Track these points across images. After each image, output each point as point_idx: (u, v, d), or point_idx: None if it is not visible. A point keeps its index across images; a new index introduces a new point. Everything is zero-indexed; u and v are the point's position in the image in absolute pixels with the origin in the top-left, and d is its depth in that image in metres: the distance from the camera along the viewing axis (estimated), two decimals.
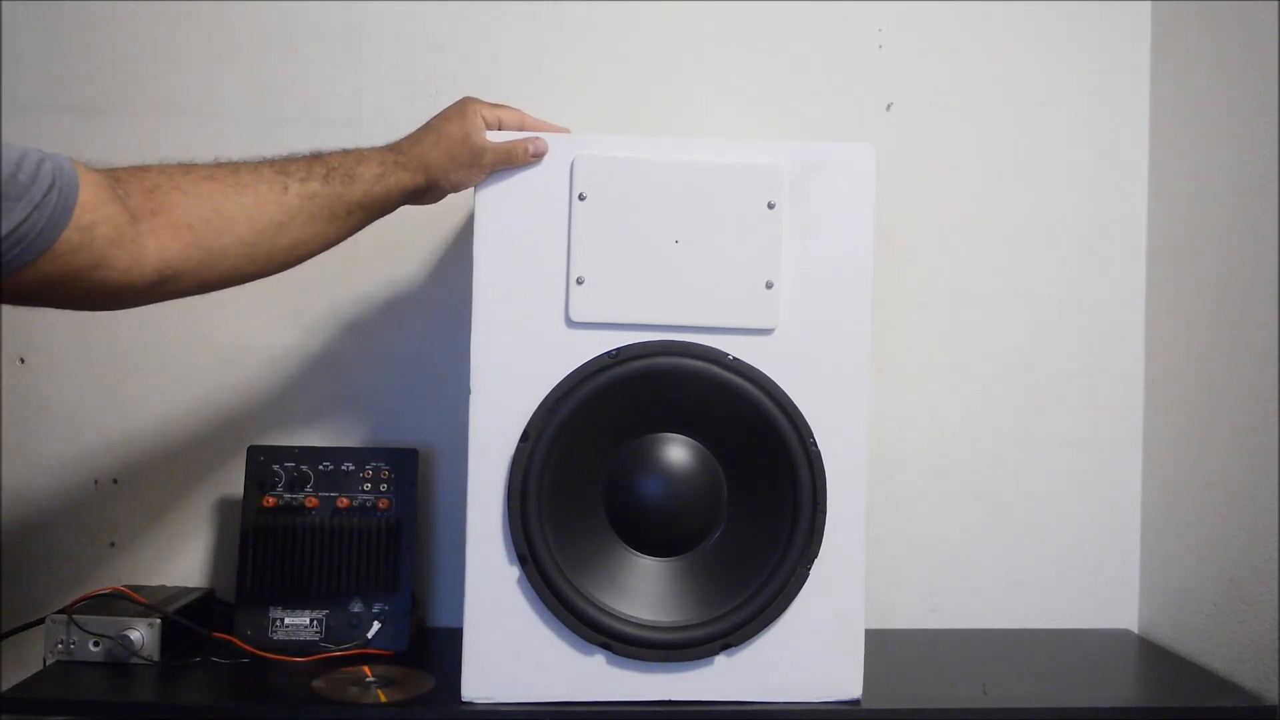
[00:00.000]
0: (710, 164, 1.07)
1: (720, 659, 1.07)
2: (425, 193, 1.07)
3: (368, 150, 1.05)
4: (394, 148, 1.06)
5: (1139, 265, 1.42)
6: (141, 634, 1.15)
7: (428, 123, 1.08)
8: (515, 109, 1.10)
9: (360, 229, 1.07)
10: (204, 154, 1.33)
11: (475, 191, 1.06)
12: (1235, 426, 1.22)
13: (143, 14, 1.36)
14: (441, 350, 1.36)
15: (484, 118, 1.06)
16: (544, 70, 1.38)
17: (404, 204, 1.07)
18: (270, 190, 0.98)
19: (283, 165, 1.01)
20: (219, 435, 1.36)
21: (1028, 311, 1.41)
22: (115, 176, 0.91)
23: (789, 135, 1.37)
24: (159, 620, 1.16)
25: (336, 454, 1.27)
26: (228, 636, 1.20)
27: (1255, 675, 1.17)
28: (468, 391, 1.06)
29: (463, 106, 1.08)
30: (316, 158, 1.03)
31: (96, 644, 1.15)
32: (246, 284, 1.01)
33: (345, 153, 1.04)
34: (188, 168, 0.96)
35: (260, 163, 1.00)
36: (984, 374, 1.41)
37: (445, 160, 1.05)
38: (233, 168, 0.99)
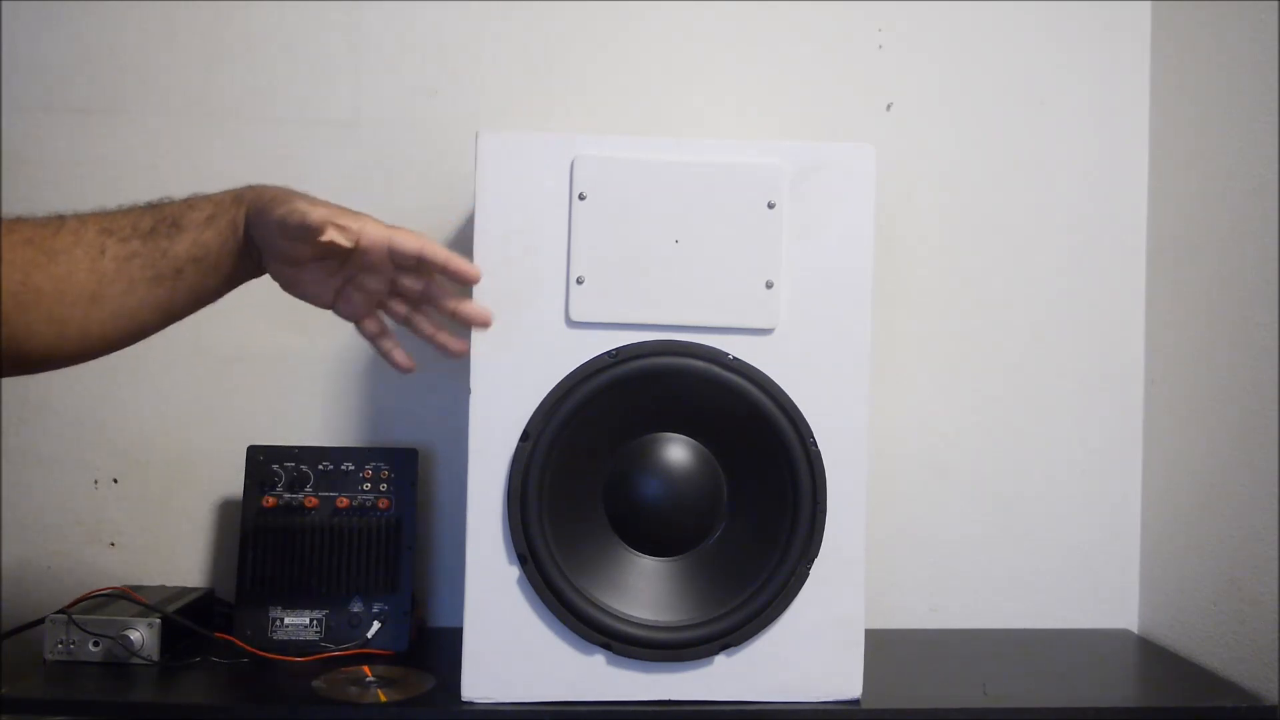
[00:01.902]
0: (710, 164, 1.07)
1: (720, 659, 1.07)
2: (252, 245, 0.92)
3: (217, 194, 0.92)
4: (248, 186, 0.93)
5: (1139, 265, 1.42)
6: (141, 634, 1.15)
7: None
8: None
9: (205, 294, 0.92)
10: (204, 154, 1.36)
11: (475, 191, 1.06)
12: (1235, 426, 1.22)
13: (143, 14, 1.36)
14: (441, 351, 1.36)
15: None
16: (543, 70, 1.38)
17: (241, 262, 0.93)
18: (85, 255, 0.85)
19: (112, 221, 0.88)
20: (219, 435, 1.36)
21: (1028, 311, 1.41)
22: None
23: (789, 135, 1.37)
24: (159, 620, 1.16)
25: (336, 454, 1.27)
26: (228, 636, 1.20)
27: (1255, 675, 1.17)
28: (468, 391, 1.06)
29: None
30: (153, 207, 0.90)
31: (96, 644, 1.15)
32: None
33: (189, 199, 0.91)
34: (14, 226, 0.84)
35: (91, 217, 0.87)
36: (984, 374, 1.41)
37: (270, 199, 0.91)
38: (56, 226, 0.86)
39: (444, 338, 1.01)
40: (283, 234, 0.91)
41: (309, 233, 0.90)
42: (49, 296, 0.84)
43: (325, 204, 0.93)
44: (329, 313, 1.35)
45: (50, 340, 0.85)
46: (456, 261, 0.96)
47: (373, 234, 0.93)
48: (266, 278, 0.97)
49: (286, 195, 0.93)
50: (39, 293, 0.83)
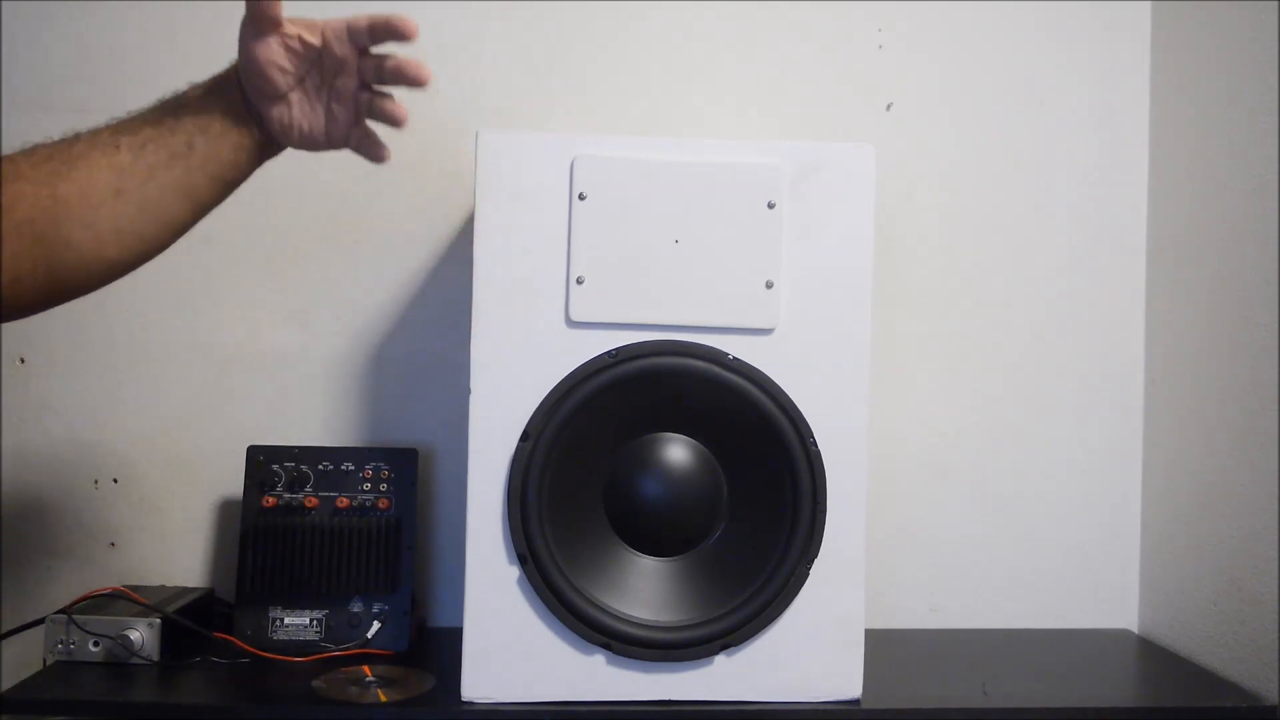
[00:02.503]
0: (710, 164, 1.07)
1: (720, 659, 1.07)
2: (252, 107, 0.94)
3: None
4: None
5: (1139, 265, 1.42)
6: (141, 634, 1.15)
7: None
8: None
9: (222, 168, 0.93)
10: None
11: (475, 191, 1.06)
12: (1235, 426, 1.22)
13: (143, 14, 1.36)
14: (441, 350, 1.36)
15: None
16: (543, 70, 1.38)
17: (247, 128, 0.94)
18: (103, 155, 0.87)
19: (123, 121, 0.90)
20: (219, 435, 1.36)
21: (1028, 311, 1.41)
22: None
23: (789, 135, 1.37)
24: (159, 620, 1.16)
25: (336, 454, 1.27)
26: (228, 636, 1.20)
27: (1255, 675, 1.17)
28: (468, 391, 1.06)
29: None
30: (160, 100, 0.92)
31: (96, 644, 1.15)
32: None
33: (191, 84, 0.93)
34: (33, 149, 0.87)
35: (105, 125, 0.89)
36: (984, 374, 1.41)
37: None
38: (72, 139, 0.88)
39: (392, 106, 0.98)
40: (243, 57, 0.92)
41: (258, 17, 0.91)
42: (76, 203, 0.85)
43: None
44: (329, 313, 1.37)
45: (88, 247, 0.86)
46: (396, 17, 0.95)
47: (332, 23, 0.95)
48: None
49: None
50: (67, 202, 0.85)
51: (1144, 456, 1.41)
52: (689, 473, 1.09)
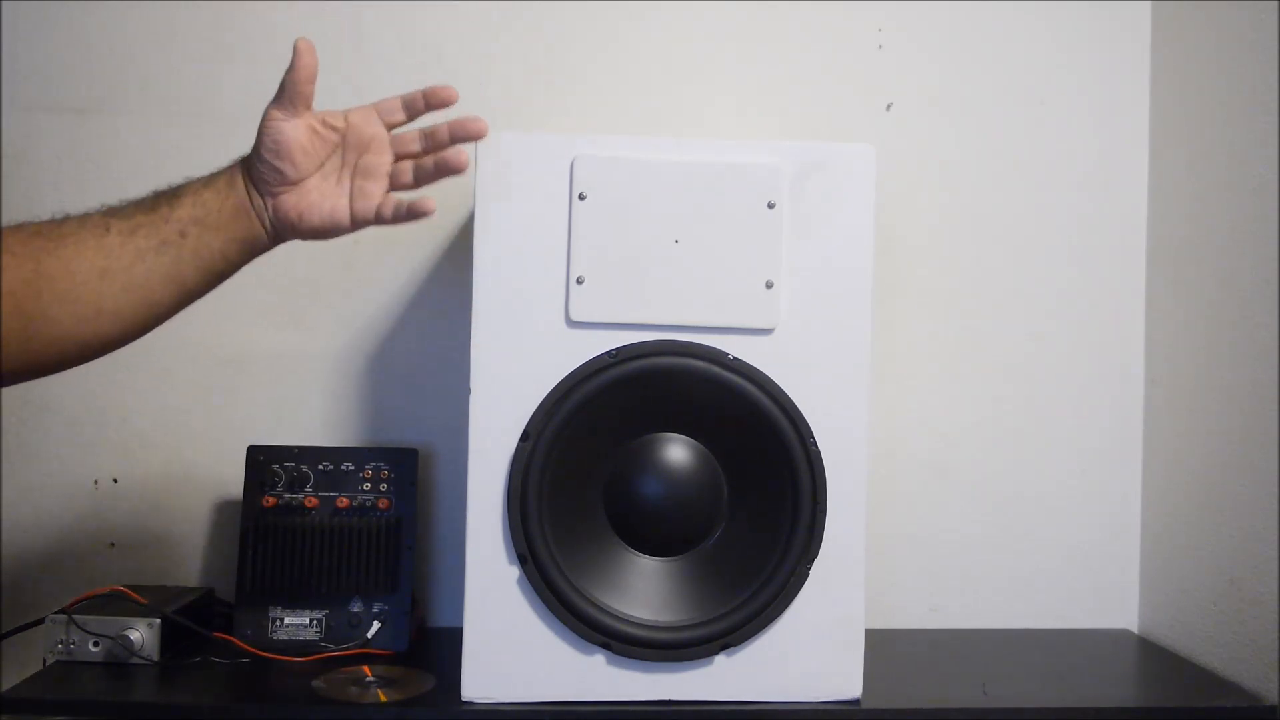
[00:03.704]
0: (710, 164, 1.07)
1: (720, 659, 1.07)
2: (255, 197, 0.95)
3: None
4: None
5: (1139, 265, 1.42)
6: (141, 634, 1.15)
7: None
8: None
9: (212, 259, 0.93)
10: (204, 154, 1.35)
11: (475, 191, 1.06)
12: (1235, 426, 1.22)
13: (143, 14, 1.36)
14: (441, 350, 1.36)
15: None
16: (543, 69, 1.38)
17: (245, 221, 0.94)
18: (91, 235, 0.87)
19: (115, 206, 0.90)
20: (219, 435, 1.36)
21: (1028, 311, 1.41)
22: None
23: (789, 135, 1.37)
24: (159, 620, 1.16)
25: (336, 454, 1.27)
26: (228, 636, 1.20)
27: (1255, 675, 1.17)
28: (468, 391, 1.06)
29: None
30: (156, 190, 0.92)
31: (96, 644, 1.15)
32: (185, 310, 0.92)
33: (189, 178, 0.94)
34: (19, 226, 0.87)
35: (97, 209, 0.90)
36: (984, 374, 1.41)
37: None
38: (61, 219, 0.88)
39: (451, 156, 0.98)
40: (271, 138, 0.93)
41: (294, 93, 0.93)
42: (60, 278, 0.85)
43: None
44: (329, 313, 1.37)
45: (67, 324, 0.87)
46: (432, 87, 0.98)
47: (357, 108, 0.98)
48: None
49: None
50: (50, 278, 0.85)
51: (1144, 456, 1.41)
52: (689, 473, 1.09)
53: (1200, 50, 1.32)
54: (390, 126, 0.99)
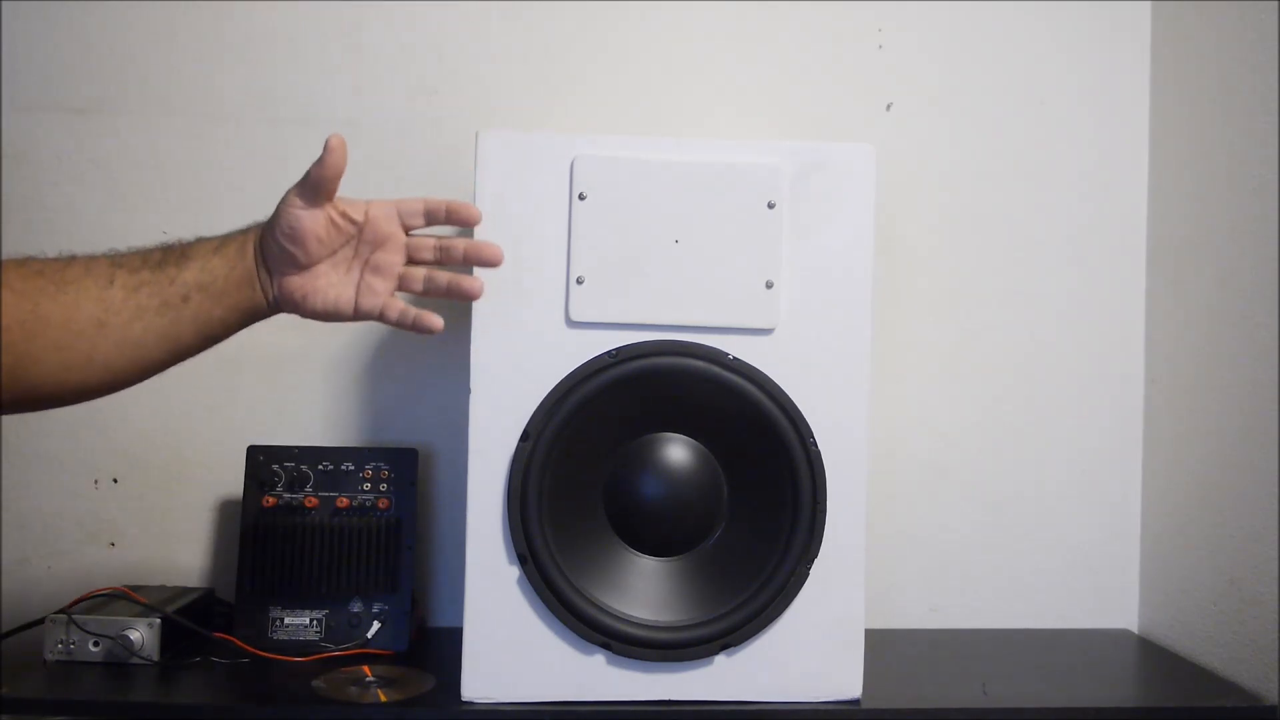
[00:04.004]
0: (710, 164, 1.07)
1: (720, 659, 1.07)
2: (263, 271, 0.95)
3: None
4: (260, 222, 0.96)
5: (1139, 265, 1.42)
6: (141, 634, 1.15)
7: None
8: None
9: (211, 325, 0.93)
10: (204, 154, 1.36)
11: (475, 191, 1.06)
12: (1235, 426, 1.22)
13: (143, 14, 1.36)
14: (441, 350, 1.36)
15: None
16: (543, 69, 1.38)
17: (250, 292, 0.95)
18: (94, 284, 0.87)
19: (123, 255, 0.90)
20: (219, 435, 1.36)
21: (1028, 311, 1.41)
22: None
23: (789, 135, 1.37)
24: (159, 620, 1.16)
25: (336, 454, 1.27)
26: (228, 636, 1.20)
27: (1255, 675, 1.17)
28: (468, 391, 1.06)
29: None
30: (166, 245, 0.93)
31: (96, 644, 1.15)
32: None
33: (201, 239, 0.94)
34: (26, 260, 0.87)
35: (103, 254, 0.90)
36: (984, 374, 1.41)
37: (274, 214, 0.94)
38: (68, 260, 0.88)
39: (466, 282, 1.02)
40: (288, 223, 0.93)
41: (318, 187, 0.93)
42: (56, 324, 0.85)
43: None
44: None
45: (54, 369, 0.86)
46: (457, 203, 1.01)
47: (378, 203, 0.98)
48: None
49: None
50: (46, 321, 0.85)
51: (1144, 456, 1.41)
52: (689, 473, 1.09)
53: (1200, 50, 1.32)
54: (407, 230, 1.00)
